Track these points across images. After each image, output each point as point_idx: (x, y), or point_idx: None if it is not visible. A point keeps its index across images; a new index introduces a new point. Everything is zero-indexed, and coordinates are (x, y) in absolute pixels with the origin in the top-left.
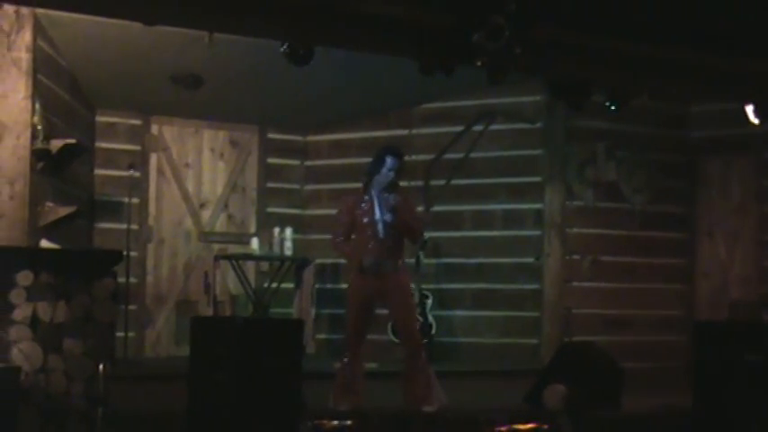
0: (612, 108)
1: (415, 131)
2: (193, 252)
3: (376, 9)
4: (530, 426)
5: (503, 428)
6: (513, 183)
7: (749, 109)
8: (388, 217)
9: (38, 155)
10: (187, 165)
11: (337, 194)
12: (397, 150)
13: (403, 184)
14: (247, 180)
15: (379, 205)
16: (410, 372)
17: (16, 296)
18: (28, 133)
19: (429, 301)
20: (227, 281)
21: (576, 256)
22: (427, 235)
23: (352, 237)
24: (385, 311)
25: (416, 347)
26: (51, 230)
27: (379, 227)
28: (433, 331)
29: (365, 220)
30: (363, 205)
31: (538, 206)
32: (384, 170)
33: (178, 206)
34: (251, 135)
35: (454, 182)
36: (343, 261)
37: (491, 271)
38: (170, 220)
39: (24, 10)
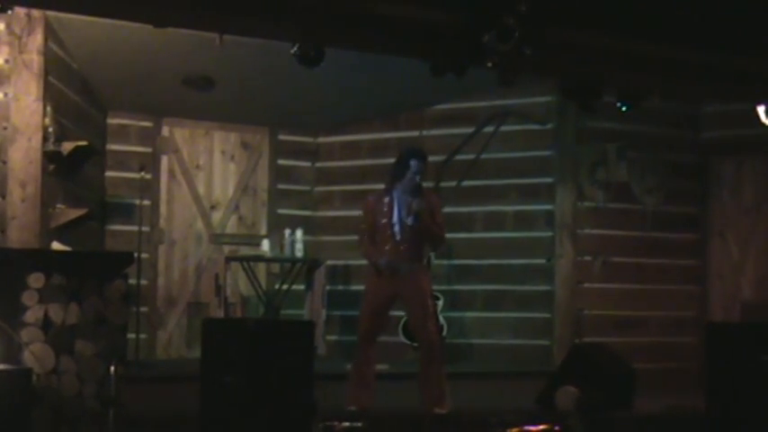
0: (624, 109)
1: (425, 133)
2: (204, 254)
3: (387, 10)
4: (541, 427)
5: (514, 430)
6: (525, 184)
7: (761, 109)
8: (409, 220)
9: (49, 157)
10: (198, 166)
11: (348, 196)
12: (421, 153)
13: None
14: (258, 181)
15: (399, 207)
16: (424, 373)
17: (28, 298)
18: (39, 135)
19: (440, 303)
20: (238, 282)
21: (587, 258)
22: None
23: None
24: (397, 313)
25: (432, 350)
26: (63, 232)
27: (396, 229)
28: (444, 332)
29: (383, 221)
30: (384, 206)
31: (549, 207)
32: (409, 174)
33: (189, 208)
34: (262, 137)
35: (465, 183)
36: (353, 262)
37: (502, 272)
38: (181, 221)
39: (35, 12)
